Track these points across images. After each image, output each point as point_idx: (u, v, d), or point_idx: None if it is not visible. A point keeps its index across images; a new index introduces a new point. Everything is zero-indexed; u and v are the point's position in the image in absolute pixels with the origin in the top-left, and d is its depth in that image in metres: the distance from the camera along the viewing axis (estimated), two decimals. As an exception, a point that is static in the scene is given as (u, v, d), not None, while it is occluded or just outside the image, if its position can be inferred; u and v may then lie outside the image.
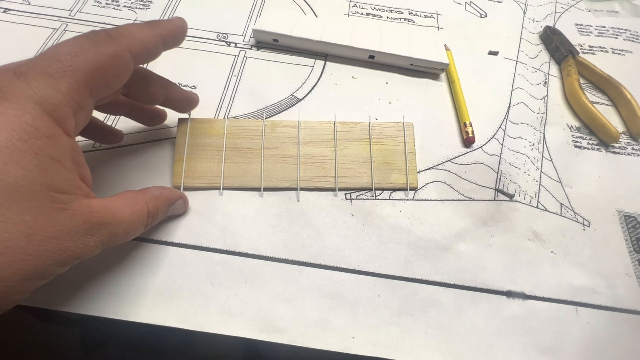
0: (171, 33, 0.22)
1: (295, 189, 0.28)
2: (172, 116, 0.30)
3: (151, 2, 0.38)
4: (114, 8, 0.37)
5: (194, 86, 0.33)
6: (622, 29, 0.41)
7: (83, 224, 0.17)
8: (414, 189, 0.29)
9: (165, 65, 0.33)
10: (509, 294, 0.26)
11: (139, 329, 0.23)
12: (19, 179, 0.15)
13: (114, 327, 0.23)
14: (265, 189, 0.28)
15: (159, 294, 0.24)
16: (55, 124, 0.17)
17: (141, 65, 0.23)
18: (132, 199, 0.21)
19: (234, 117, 0.31)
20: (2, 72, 0.16)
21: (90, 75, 0.18)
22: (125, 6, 0.37)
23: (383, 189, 0.29)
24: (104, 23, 0.36)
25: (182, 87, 0.32)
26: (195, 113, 0.31)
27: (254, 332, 0.23)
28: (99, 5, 0.37)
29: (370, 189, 0.29)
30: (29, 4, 0.36)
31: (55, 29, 0.35)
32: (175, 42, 0.23)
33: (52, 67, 0.17)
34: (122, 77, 0.20)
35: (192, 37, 0.36)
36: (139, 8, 0.37)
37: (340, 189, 0.28)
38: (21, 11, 0.36)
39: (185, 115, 0.29)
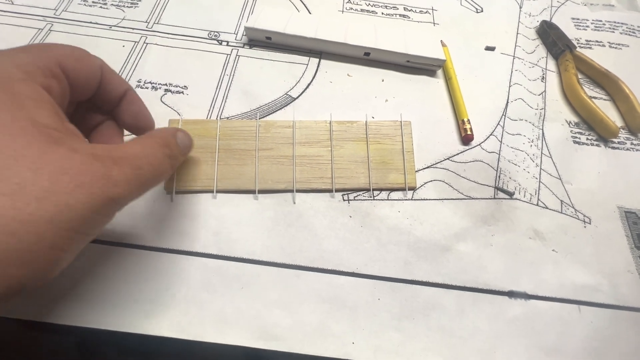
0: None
1: (291, 191, 0.27)
2: (163, 118, 0.29)
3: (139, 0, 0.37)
4: (101, 7, 0.36)
5: (185, 86, 0.32)
6: (618, 23, 0.41)
7: (91, 157, 0.16)
8: (413, 188, 0.28)
9: (155, 66, 0.33)
10: (510, 294, 0.25)
11: (138, 335, 0.22)
12: (1, 114, 0.14)
13: (111, 333, 0.22)
14: (260, 192, 0.27)
15: (152, 303, 0.23)
16: (28, 76, 0.16)
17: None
18: (138, 138, 0.20)
19: (227, 118, 0.30)
20: None
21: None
22: (112, 4, 0.36)
23: (381, 190, 0.28)
24: (90, 22, 0.35)
25: (172, 87, 0.31)
26: (187, 114, 0.30)
27: (251, 340, 0.22)
28: (85, 4, 0.36)
29: (368, 190, 0.28)
30: (13, 4, 0.35)
31: (40, 29, 0.34)
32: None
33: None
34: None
35: (182, 35, 0.35)
36: (127, 7, 0.36)
37: (338, 190, 0.28)
38: (4, 11, 0.34)
39: (176, 117, 0.28)
